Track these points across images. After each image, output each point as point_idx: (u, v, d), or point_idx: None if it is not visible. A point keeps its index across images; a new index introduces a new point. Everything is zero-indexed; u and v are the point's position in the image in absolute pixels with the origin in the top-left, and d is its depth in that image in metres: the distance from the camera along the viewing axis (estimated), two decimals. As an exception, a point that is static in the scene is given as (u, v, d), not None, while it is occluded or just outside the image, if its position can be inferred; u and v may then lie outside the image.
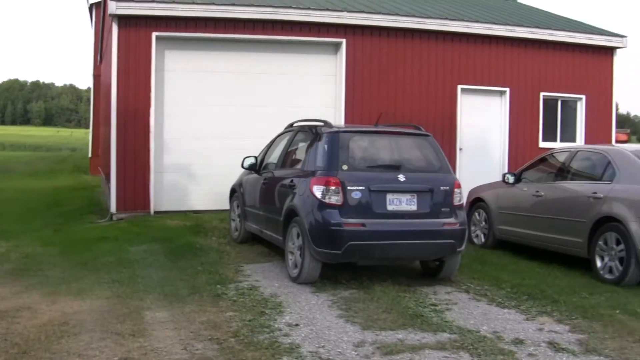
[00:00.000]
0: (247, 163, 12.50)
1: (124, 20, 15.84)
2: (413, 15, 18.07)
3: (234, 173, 13.71)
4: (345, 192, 9.51)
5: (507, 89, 19.25)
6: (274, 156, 12.05)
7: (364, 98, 17.51)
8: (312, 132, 10.70)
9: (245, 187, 12.92)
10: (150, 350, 6.73)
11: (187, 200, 16.43)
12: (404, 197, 9.81)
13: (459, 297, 9.41)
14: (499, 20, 19.47)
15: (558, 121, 20.21)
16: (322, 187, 9.55)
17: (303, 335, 7.36)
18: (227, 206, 14.08)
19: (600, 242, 10.68)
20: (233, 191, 13.63)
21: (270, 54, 17.10)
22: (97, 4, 30.35)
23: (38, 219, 16.71)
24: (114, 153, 15.82)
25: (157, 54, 16.02)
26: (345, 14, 17.28)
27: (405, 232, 9.70)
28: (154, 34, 15.93)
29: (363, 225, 9.49)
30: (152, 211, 15.97)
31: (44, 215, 17.15)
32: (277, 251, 11.72)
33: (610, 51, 20.60)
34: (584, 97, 20.23)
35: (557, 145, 18.82)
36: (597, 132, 20.31)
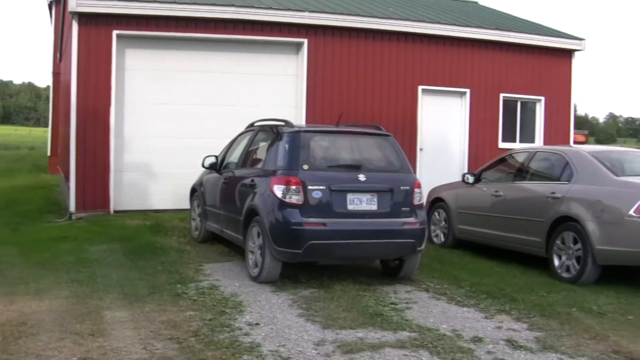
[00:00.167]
0: (207, 162, 12.47)
1: (85, 18, 15.72)
2: (375, 16, 18.15)
3: (195, 172, 13.67)
4: (305, 192, 9.53)
5: (468, 90, 19.40)
6: (235, 155, 12.04)
7: (325, 98, 17.56)
8: (273, 131, 10.71)
9: (205, 187, 12.89)
10: (110, 350, 6.70)
11: (147, 199, 16.36)
12: (365, 197, 9.85)
13: (419, 296, 9.46)
14: (460, 22, 19.61)
15: (517, 122, 20.43)
16: (282, 187, 9.56)
17: (263, 334, 7.37)
18: (187, 205, 14.04)
19: (558, 242, 10.82)
20: (193, 190, 13.59)
21: (232, 54, 17.08)
22: (56, 1, 30.04)
23: (-5, 218, 16.53)
24: (74, 152, 15.70)
25: (117, 52, 15.92)
26: (307, 14, 17.31)
27: (365, 231, 9.74)
28: (115, 32, 15.84)
29: (324, 224, 9.52)
30: (111, 210, 15.87)
31: (1, 215, 16.95)
32: (237, 250, 11.70)
33: (569, 54, 20.86)
34: (543, 98, 20.46)
35: (516, 145, 19.02)
36: (556, 133, 20.55)
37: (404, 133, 17.93)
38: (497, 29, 19.91)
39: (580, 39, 20.95)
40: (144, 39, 16.32)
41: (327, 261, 10.14)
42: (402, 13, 19.27)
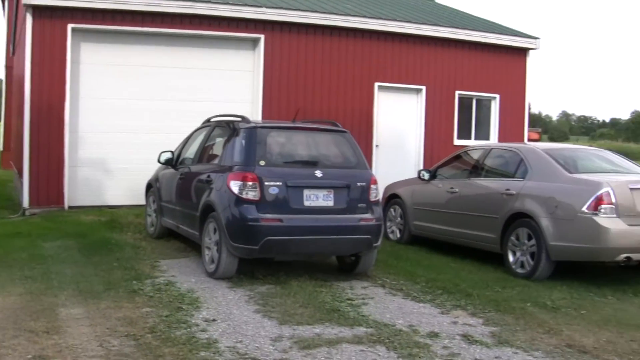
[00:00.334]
0: (163, 158, 12.40)
1: (39, 11, 15.49)
2: (332, 13, 18.17)
3: (150, 168, 13.60)
4: (262, 188, 9.53)
5: (424, 87, 19.53)
6: (191, 151, 11.99)
7: (281, 94, 17.55)
8: (229, 127, 10.68)
9: (161, 182, 12.82)
10: (65, 347, 6.64)
11: (102, 195, 16.22)
12: (321, 193, 9.88)
13: (375, 292, 9.51)
14: (416, 19, 19.71)
15: (473, 119, 20.63)
16: (239, 183, 9.55)
17: (220, 330, 7.36)
18: (143, 201, 13.95)
19: (513, 238, 10.95)
20: (149, 186, 13.52)
21: (188, 49, 16.99)
22: (9, -7, 29.66)
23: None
24: (27, 147, 15.49)
25: (73, 46, 15.73)
26: (264, 9, 17.27)
27: (322, 227, 9.77)
28: (70, 26, 15.64)
29: (280, 220, 9.53)
30: (66, 206, 15.71)
31: (-47, 211, 16.71)
32: (193, 246, 11.67)
33: (523, 52, 21.11)
34: (498, 96, 20.68)
35: (472, 143, 19.15)
36: (510, 130, 20.78)
37: (360, 129, 17.98)
38: (453, 27, 20.06)
39: (535, 38, 21.20)
40: (99, 33, 16.16)
41: (284, 257, 10.16)
42: (359, 10, 19.30)
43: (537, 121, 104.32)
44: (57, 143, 15.62)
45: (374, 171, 10.72)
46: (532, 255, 10.58)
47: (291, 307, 8.36)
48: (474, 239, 11.85)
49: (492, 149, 12.62)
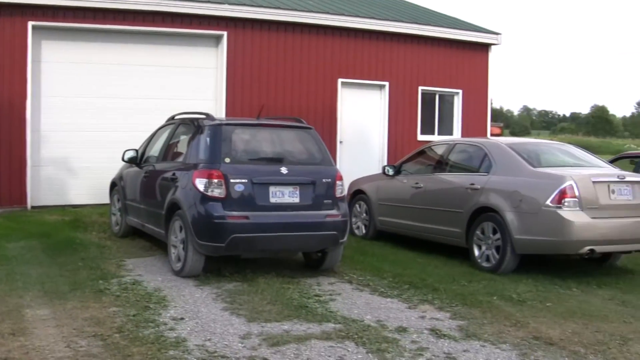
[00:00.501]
0: (127, 156, 12.32)
1: (-2, 9, 15.36)
2: (295, 9, 18.18)
3: (114, 166, 13.49)
4: (228, 185, 9.50)
5: (387, 83, 19.62)
6: (155, 149, 11.92)
7: (244, 91, 17.52)
8: (194, 124, 10.64)
9: (125, 181, 12.74)
10: (32, 349, 6.56)
11: (66, 194, 16.11)
12: (287, 190, 9.88)
13: (342, 288, 9.53)
14: (379, 15, 19.78)
15: (436, 115, 20.76)
16: (204, 180, 9.51)
17: (189, 328, 7.32)
18: (107, 200, 13.85)
19: (478, 232, 11.03)
20: (113, 185, 13.42)
21: (151, 46, 16.92)
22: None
23: None
24: (-12, 146, 15.35)
25: (33, 44, 15.60)
26: (226, 6, 17.24)
27: (288, 224, 9.77)
28: (30, 24, 15.50)
29: (246, 217, 9.51)
30: (29, 206, 15.59)
31: None
32: (159, 245, 11.62)
33: (486, 48, 21.30)
34: (460, 91, 20.83)
35: (435, 138, 19.31)
36: (473, 125, 20.94)
37: (324, 126, 18.01)
38: (415, 23, 20.15)
39: (497, 34, 21.36)
40: (61, 31, 16.03)
41: (250, 254, 10.15)
42: (322, 6, 19.32)
43: (499, 116, 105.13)
44: (18, 142, 15.49)
45: (338, 167, 10.74)
46: (498, 249, 10.67)
47: (259, 305, 8.35)
48: (440, 233, 11.92)
49: (456, 144, 12.69)
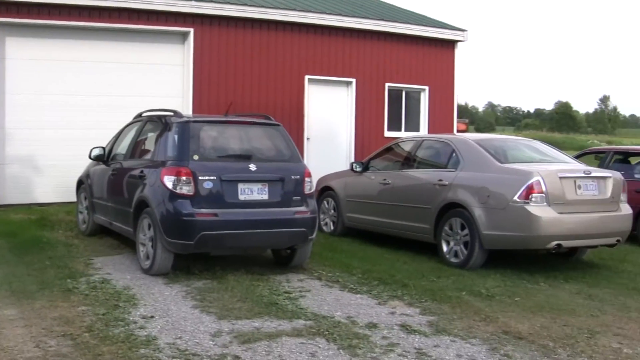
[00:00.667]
0: (94, 154, 12.23)
1: (-39, 6, 15.18)
2: (262, 6, 18.14)
3: (81, 164, 13.39)
4: (196, 182, 9.48)
5: (354, 80, 19.64)
6: (123, 147, 11.84)
7: (211, 88, 17.47)
8: (161, 122, 10.60)
9: (93, 179, 12.64)
10: (0, 349, 6.49)
11: (32, 192, 15.96)
12: (256, 187, 9.87)
13: (312, 284, 9.54)
14: (346, 12, 19.78)
15: (402, 111, 20.79)
16: (173, 178, 9.48)
17: (159, 327, 7.29)
18: (74, 198, 13.74)
19: (446, 228, 11.09)
20: (80, 183, 13.32)
21: (117, 43, 16.79)
22: None
23: None
24: (-49, 145, 15.17)
25: (-3, 41, 15.45)
26: (193, 2, 17.16)
27: (257, 221, 9.76)
28: (-6, 20, 15.36)
29: (215, 215, 9.49)
30: (-6, 205, 15.43)
31: None
32: (127, 243, 11.55)
33: (452, 44, 21.39)
34: (427, 88, 20.91)
35: (402, 134, 19.32)
36: (440, 121, 21.03)
37: (291, 122, 17.98)
38: (382, 19, 20.19)
39: (463, 30, 21.47)
40: (26, 27, 15.86)
41: (220, 252, 10.11)
42: (289, 3, 19.29)
43: (464, 112, 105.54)
44: (-18, 140, 15.31)
45: (305, 164, 10.76)
46: (466, 244, 10.73)
47: (229, 302, 8.34)
48: (408, 229, 11.96)
49: (423, 140, 12.74)
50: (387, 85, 20.22)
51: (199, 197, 9.48)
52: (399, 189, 12.28)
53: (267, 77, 18.34)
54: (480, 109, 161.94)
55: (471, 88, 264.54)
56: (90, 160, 12.49)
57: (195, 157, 9.68)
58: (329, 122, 19.52)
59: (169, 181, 9.49)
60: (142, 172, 10.31)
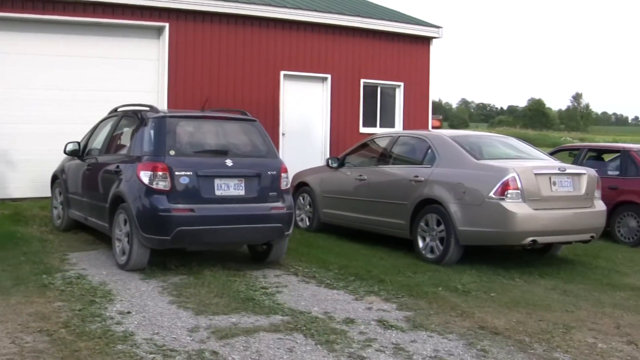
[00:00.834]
0: (69, 148, 12.15)
1: None
2: (237, 2, 18.06)
3: (56, 159, 13.30)
4: (173, 178, 9.45)
5: (329, 76, 19.65)
6: (98, 141, 11.78)
7: (187, 83, 17.40)
8: (137, 117, 10.55)
9: (67, 174, 12.56)
10: (-24, 344, 6.47)
11: (5, 187, 15.80)
12: (232, 182, 9.86)
13: (289, 280, 9.55)
14: (321, 8, 19.77)
15: (378, 107, 20.83)
16: (149, 173, 9.45)
17: (136, 322, 7.26)
18: (48, 193, 13.64)
19: (422, 224, 11.13)
20: (55, 178, 13.23)
21: (93, 37, 16.64)
22: None
23: None
24: None
25: (-29, 35, 15.29)
26: (168, -3, 17.06)
27: (233, 216, 9.76)
28: (-31, 15, 15.19)
29: (192, 210, 9.48)
30: (-34, 200, 15.29)
31: None
32: (102, 238, 11.49)
33: (427, 41, 21.45)
34: (402, 84, 20.95)
35: (377, 130, 19.38)
36: (415, 118, 21.08)
37: (267, 118, 17.91)
38: (357, 15, 20.18)
39: (438, 27, 21.54)
40: (1, 21, 15.69)
41: (196, 247, 10.11)
42: (264, -2, 19.26)
43: (438, 108, 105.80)
44: (-45, 135, 15.17)
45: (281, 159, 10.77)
46: (442, 240, 10.79)
47: (206, 297, 8.33)
48: (384, 225, 11.99)
49: (399, 136, 12.78)
50: (362, 81, 20.24)
51: (175, 193, 9.45)
52: (374, 185, 12.30)
53: (243, 72, 18.29)
54: (454, 106, 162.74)
55: (445, 84, 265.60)
56: (65, 155, 12.41)
57: (172, 153, 9.65)
58: (305, 117, 19.52)
59: (145, 176, 9.46)
60: (118, 167, 10.26)
